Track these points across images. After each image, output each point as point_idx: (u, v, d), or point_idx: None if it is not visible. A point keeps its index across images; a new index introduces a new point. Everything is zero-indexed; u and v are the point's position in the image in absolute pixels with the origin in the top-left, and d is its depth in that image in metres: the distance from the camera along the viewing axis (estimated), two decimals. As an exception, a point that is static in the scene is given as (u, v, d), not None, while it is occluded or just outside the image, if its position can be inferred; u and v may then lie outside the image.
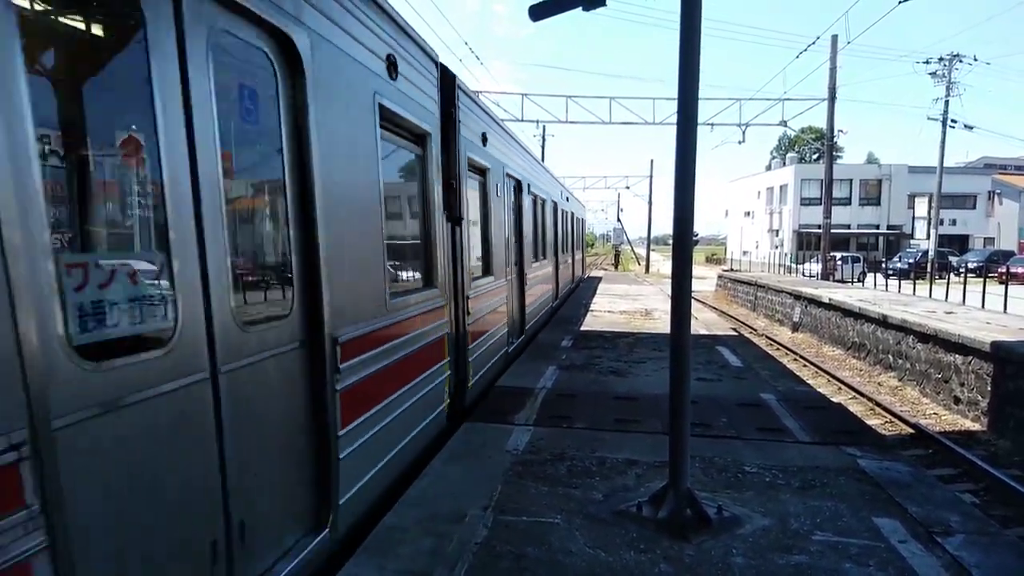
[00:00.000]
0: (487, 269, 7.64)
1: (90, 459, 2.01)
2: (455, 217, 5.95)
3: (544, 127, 45.56)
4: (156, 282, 2.34)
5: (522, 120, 24.83)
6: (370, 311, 3.99)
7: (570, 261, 19.30)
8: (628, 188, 54.71)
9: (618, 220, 64.68)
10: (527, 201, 10.47)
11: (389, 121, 4.48)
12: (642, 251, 59.19)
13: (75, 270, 2.02)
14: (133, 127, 2.43)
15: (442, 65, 5.70)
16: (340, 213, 3.58)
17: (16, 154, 1.78)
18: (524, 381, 7.35)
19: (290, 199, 3.19)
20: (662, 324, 12.32)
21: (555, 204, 14.77)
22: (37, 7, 2.19)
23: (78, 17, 2.37)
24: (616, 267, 54.14)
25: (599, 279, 29.45)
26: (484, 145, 7.18)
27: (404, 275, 5.19)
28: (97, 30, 2.43)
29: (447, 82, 5.80)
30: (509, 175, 8.88)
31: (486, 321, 7.41)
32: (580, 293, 19.94)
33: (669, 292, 4.09)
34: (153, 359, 2.27)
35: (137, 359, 2.21)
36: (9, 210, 1.75)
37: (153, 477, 2.27)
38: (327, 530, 3.38)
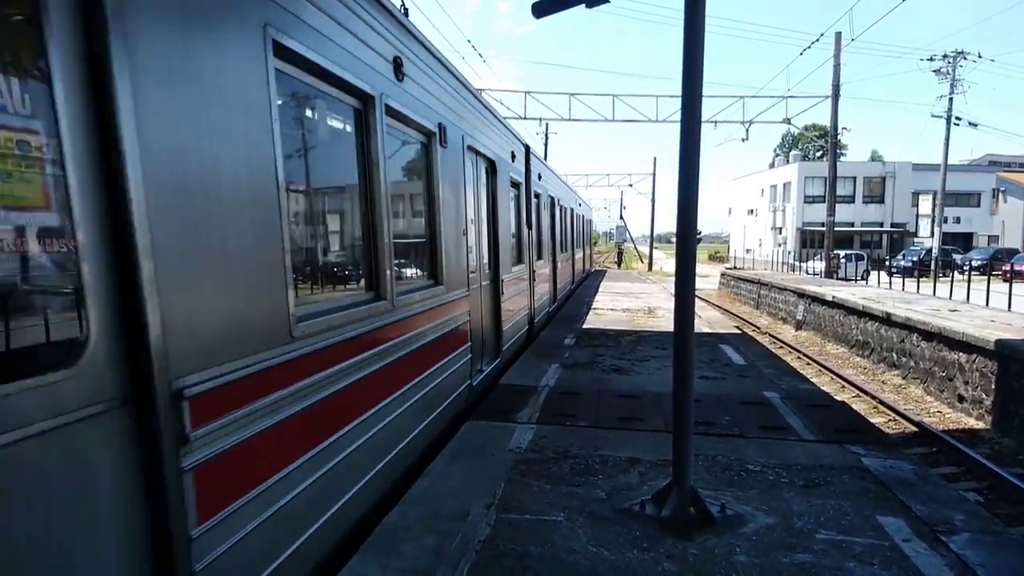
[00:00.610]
0: (539, 255, 11.71)
1: (474, 302, 6.52)
2: (529, 225, 10.34)
3: (547, 125, 45.69)
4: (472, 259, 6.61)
5: (525, 118, 24.80)
6: (507, 269, 8.35)
7: (582, 255, 24.77)
8: (631, 186, 54.68)
9: (621, 218, 64.64)
10: (557, 211, 15.07)
11: (512, 182, 8.95)
12: (645, 249, 59.13)
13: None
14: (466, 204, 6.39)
15: (526, 144, 10.34)
16: (503, 230, 8.10)
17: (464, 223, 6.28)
18: (527, 379, 7.35)
19: (491, 227, 7.70)
20: (665, 322, 12.31)
21: (572, 211, 19.17)
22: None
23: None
24: (619, 265, 54.08)
25: (604, 273, 31.02)
26: (540, 180, 11.78)
27: (513, 255, 9.15)
28: (466, 168, 6.36)
29: (527, 151, 10.40)
30: (550, 196, 13.63)
31: (541, 288, 11.88)
32: (586, 286, 22.17)
33: (672, 290, 4.10)
34: (474, 282, 6.73)
35: (478, 283, 7.09)
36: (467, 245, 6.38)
37: (473, 317, 6.40)
38: (499, 359, 7.90)
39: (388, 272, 4.26)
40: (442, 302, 5.46)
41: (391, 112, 4.38)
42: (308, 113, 3.69)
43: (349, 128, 4.07)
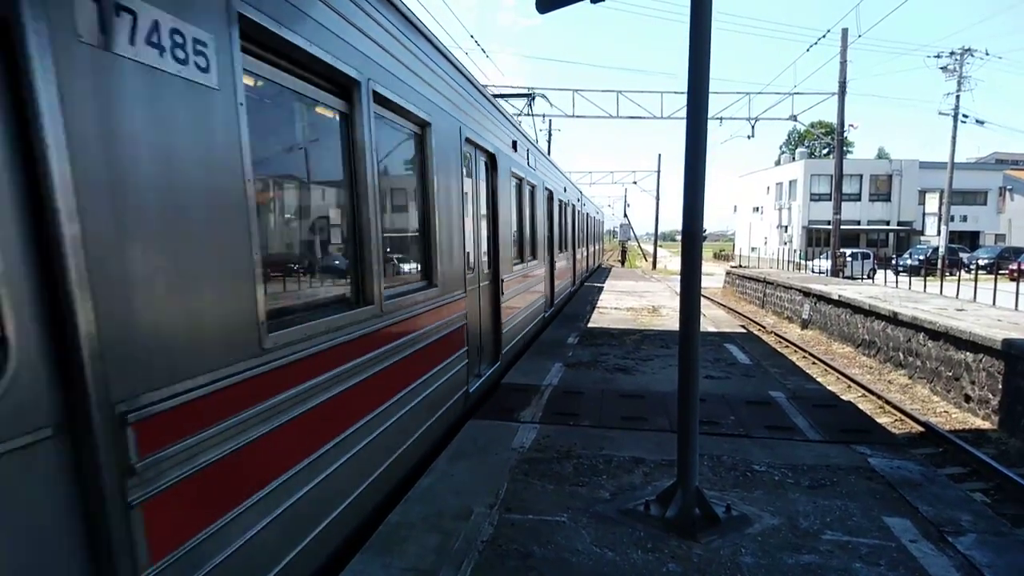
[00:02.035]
0: (580, 245, 18.68)
1: (581, 256, 20.95)
2: (580, 230, 19.10)
3: (550, 121, 45.41)
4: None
5: (528, 114, 24.68)
6: (584, 247, 22.08)
7: (599, 248, 35.97)
8: (635, 183, 54.52)
9: (624, 216, 64.50)
10: (590, 221, 23.87)
11: (581, 215, 20.58)
12: (649, 247, 59.03)
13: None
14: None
15: (580, 190, 20.49)
16: (579, 232, 19.71)
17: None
18: (530, 378, 7.33)
19: (576, 231, 18.71)
20: (670, 321, 12.26)
21: (595, 217, 29.23)
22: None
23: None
24: (623, 263, 53.99)
25: (609, 270, 33.47)
26: (584, 206, 20.89)
27: (567, 244, 16.41)
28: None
29: (581, 193, 20.77)
30: (586, 212, 21.75)
31: (580, 265, 19.22)
32: (595, 276, 27.36)
33: (676, 289, 4.09)
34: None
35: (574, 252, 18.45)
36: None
37: (588, 260, 25.27)
38: (594, 269, 27.21)
39: (551, 244, 12.55)
40: (571, 256, 17.08)
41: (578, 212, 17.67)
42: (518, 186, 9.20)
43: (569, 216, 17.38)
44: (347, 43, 3.43)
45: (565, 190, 14.68)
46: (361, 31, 3.61)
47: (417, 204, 4.94)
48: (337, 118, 3.61)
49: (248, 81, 2.73)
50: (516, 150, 8.46)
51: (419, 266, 4.96)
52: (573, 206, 16.82)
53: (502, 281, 7.45)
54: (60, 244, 1.81)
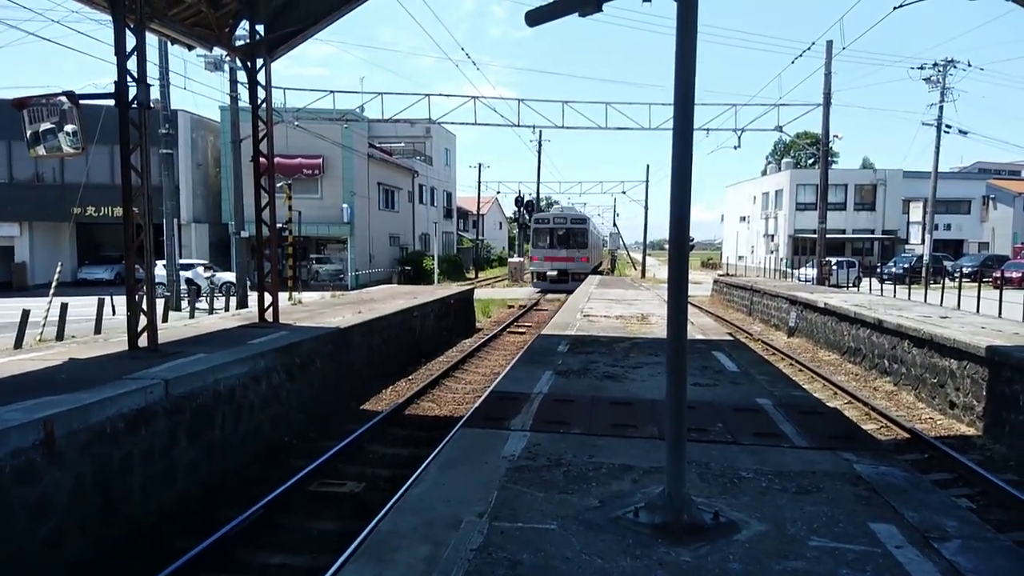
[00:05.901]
0: (596, 247, 44.29)
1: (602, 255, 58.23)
2: (598, 245, 48.29)
3: (540, 132, 46.17)
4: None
5: (519, 125, 24.83)
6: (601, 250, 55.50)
7: (597, 253, 47.69)
8: (624, 193, 54.92)
9: (614, 225, 65.04)
10: (599, 240, 51.86)
11: (600, 239, 56.68)
12: (638, 256, 59.45)
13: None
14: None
15: (599, 230, 57.16)
16: (600, 247, 52.40)
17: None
18: (520, 386, 7.34)
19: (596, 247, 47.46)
20: (658, 329, 12.31)
21: (599, 235, 51.48)
22: None
23: None
24: (612, 271, 54.27)
25: (600, 275, 39.30)
26: (600, 234, 56.12)
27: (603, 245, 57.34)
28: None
29: (599, 230, 57.05)
30: (598, 235, 50.54)
31: (599, 259, 49.11)
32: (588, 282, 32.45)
33: (665, 297, 4.10)
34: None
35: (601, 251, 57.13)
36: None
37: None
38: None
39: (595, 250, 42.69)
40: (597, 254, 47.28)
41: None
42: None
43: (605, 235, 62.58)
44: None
45: (598, 232, 32.72)
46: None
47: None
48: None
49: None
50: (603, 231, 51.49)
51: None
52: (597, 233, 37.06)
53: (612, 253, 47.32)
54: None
